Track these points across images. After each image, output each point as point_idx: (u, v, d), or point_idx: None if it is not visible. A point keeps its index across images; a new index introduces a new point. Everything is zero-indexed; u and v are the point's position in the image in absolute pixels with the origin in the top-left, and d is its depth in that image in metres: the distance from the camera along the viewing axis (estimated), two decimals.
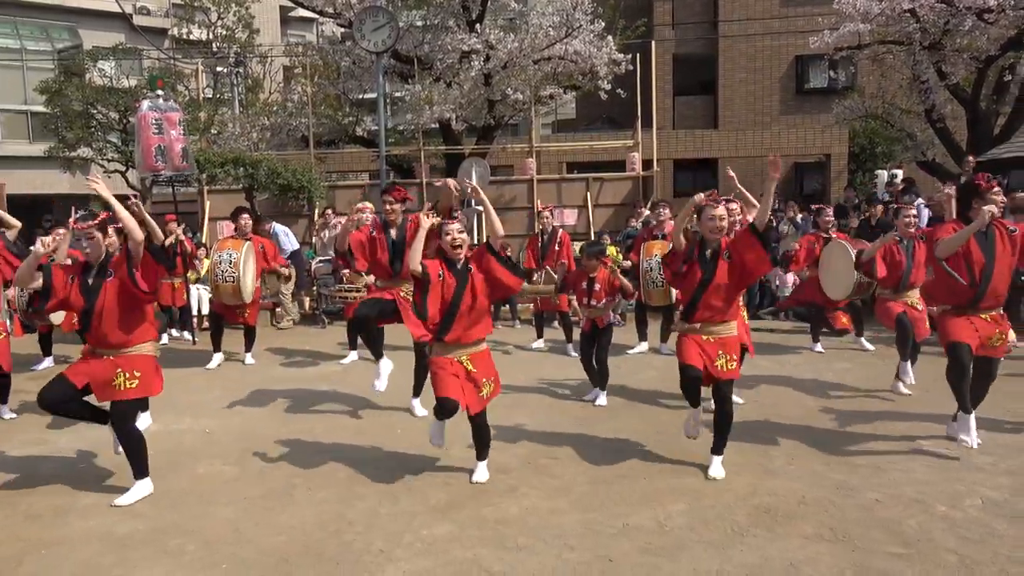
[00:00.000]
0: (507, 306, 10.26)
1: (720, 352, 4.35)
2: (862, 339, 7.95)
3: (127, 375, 4.15)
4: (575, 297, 6.30)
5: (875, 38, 13.07)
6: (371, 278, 6.52)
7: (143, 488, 4.24)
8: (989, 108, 13.07)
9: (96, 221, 4.17)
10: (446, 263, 4.23)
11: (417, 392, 5.81)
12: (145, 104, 8.99)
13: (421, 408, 5.75)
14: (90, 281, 4.17)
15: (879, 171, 14.67)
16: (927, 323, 6.11)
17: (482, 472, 4.40)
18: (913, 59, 12.83)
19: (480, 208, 11.83)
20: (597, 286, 6.07)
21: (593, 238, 11.72)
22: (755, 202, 4.96)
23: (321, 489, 4.33)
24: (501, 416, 5.70)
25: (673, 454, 4.75)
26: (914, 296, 6.12)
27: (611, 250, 9.81)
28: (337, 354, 8.14)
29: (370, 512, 4.00)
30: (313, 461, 4.77)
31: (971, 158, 11.48)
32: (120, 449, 4.35)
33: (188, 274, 9.30)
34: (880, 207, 10.11)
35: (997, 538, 3.53)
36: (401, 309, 5.62)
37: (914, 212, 6.30)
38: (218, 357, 7.84)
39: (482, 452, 4.44)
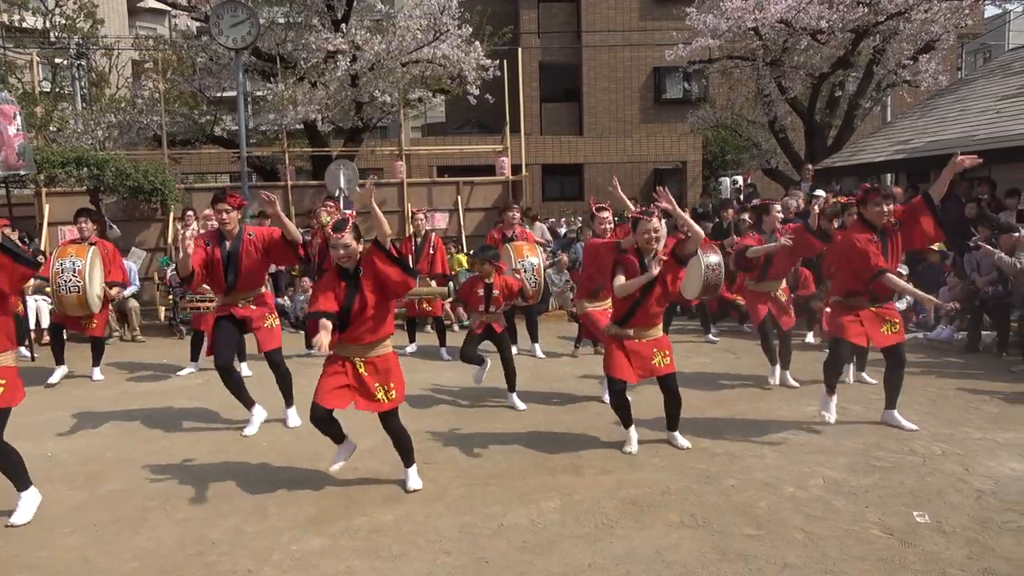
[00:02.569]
0: None
1: (655, 351, 4.74)
2: (709, 335, 8.58)
3: None
4: (470, 305, 6.11)
5: (723, 53, 14.00)
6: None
7: (32, 499, 3.98)
8: (823, 120, 14.31)
9: None
10: (337, 269, 4.14)
11: (289, 403, 5.60)
12: None
13: (295, 418, 5.54)
14: None
15: (723, 178, 15.68)
16: (791, 313, 6.62)
17: (413, 479, 4.30)
18: (757, 74, 13.86)
19: (351, 211, 11.60)
20: (495, 291, 6.04)
21: (464, 242, 11.78)
22: (631, 207, 5.20)
23: (180, 510, 4.08)
24: (374, 421, 5.59)
25: (547, 452, 4.85)
26: (777, 287, 6.56)
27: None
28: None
29: (235, 530, 3.81)
30: (171, 481, 4.49)
31: (809, 166, 12.53)
32: None
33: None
34: (731, 211, 10.77)
35: (836, 513, 3.86)
36: (245, 322, 5.46)
37: (779, 208, 6.80)
38: (61, 370, 7.22)
39: (406, 459, 4.34)
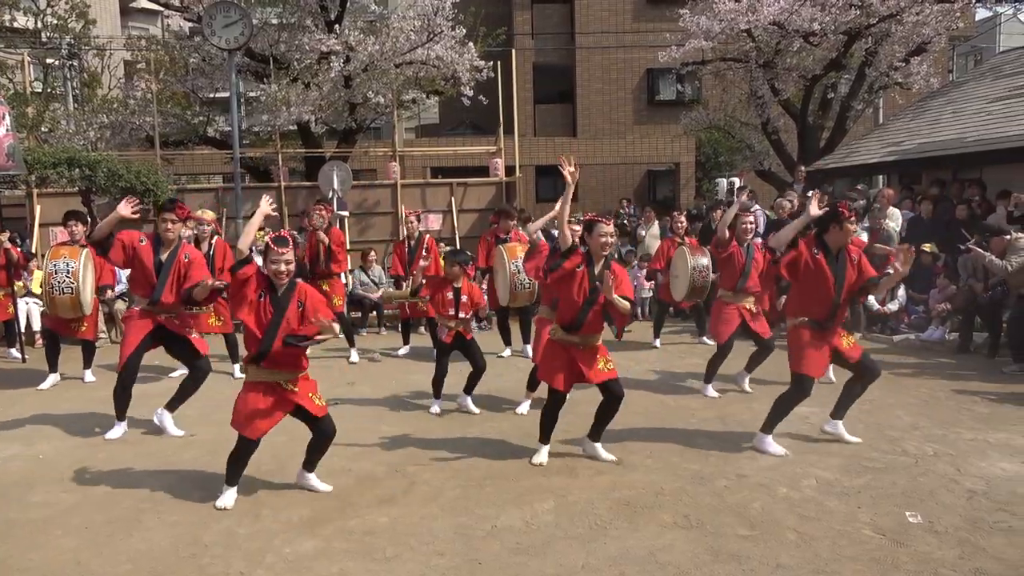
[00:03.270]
0: (374, 312, 10.10)
1: (598, 357, 4.63)
2: (704, 337, 8.57)
3: None
4: (439, 306, 5.96)
5: (716, 55, 14.03)
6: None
7: None
8: (815, 122, 14.35)
9: None
10: (268, 286, 4.03)
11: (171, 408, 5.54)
12: None
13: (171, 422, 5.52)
14: None
15: (719, 179, 15.71)
16: (765, 323, 6.51)
17: (319, 483, 4.31)
18: (750, 75, 13.90)
19: (345, 213, 11.58)
20: (464, 297, 5.90)
21: (457, 246, 11.77)
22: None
23: (173, 512, 4.06)
24: (368, 424, 5.61)
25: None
26: (750, 300, 6.39)
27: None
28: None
29: (228, 533, 3.80)
30: (164, 483, 4.47)
31: (801, 168, 12.56)
32: None
33: (14, 285, 8.42)
34: (718, 212, 10.80)
35: (829, 514, 3.88)
36: (169, 328, 5.37)
37: (751, 219, 6.63)
38: (53, 378, 7.18)
39: (311, 464, 4.31)
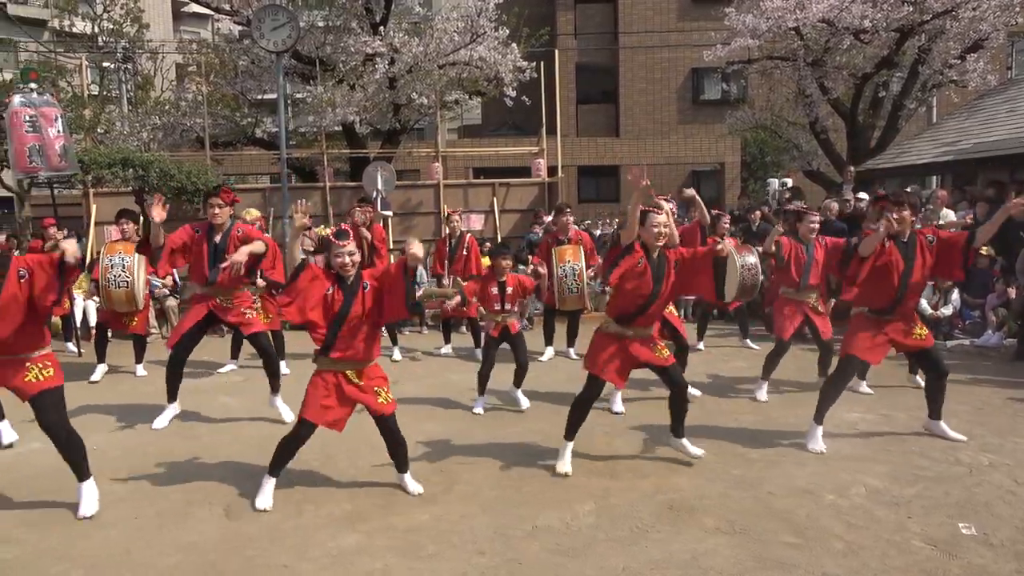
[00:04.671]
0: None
1: (652, 345, 4.54)
2: (748, 340, 8.42)
3: (40, 366, 3.93)
4: (484, 301, 6.07)
5: (763, 53, 13.81)
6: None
7: (93, 489, 4.08)
8: (866, 121, 14.03)
9: None
10: (337, 278, 4.10)
11: (275, 389, 5.77)
12: (17, 99, 8.34)
13: (285, 410, 5.67)
14: None
15: (771, 179, 15.45)
16: (828, 322, 6.43)
17: (413, 484, 4.30)
18: (798, 74, 13.64)
19: (389, 213, 11.72)
20: (509, 289, 6.01)
21: (496, 244, 11.79)
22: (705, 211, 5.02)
23: (219, 505, 4.15)
24: (410, 422, 5.62)
25: (582, 455, 4.82)
26: (813, 297, 6.37)
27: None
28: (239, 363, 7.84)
29: (272, 526, 3.86)
30: (211, 475, 4.57)
31: (851, 168, 12.29)
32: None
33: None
34: (758, 213, 10.63)
35: (878, 523, 3.78)
36: (219, 314, 5.60)
37: (816, 218, 6.55)
38: (101, 368, 7.40)
39: (400, 465, 4.32)
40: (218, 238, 5.53)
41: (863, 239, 4.94)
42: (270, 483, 4.16)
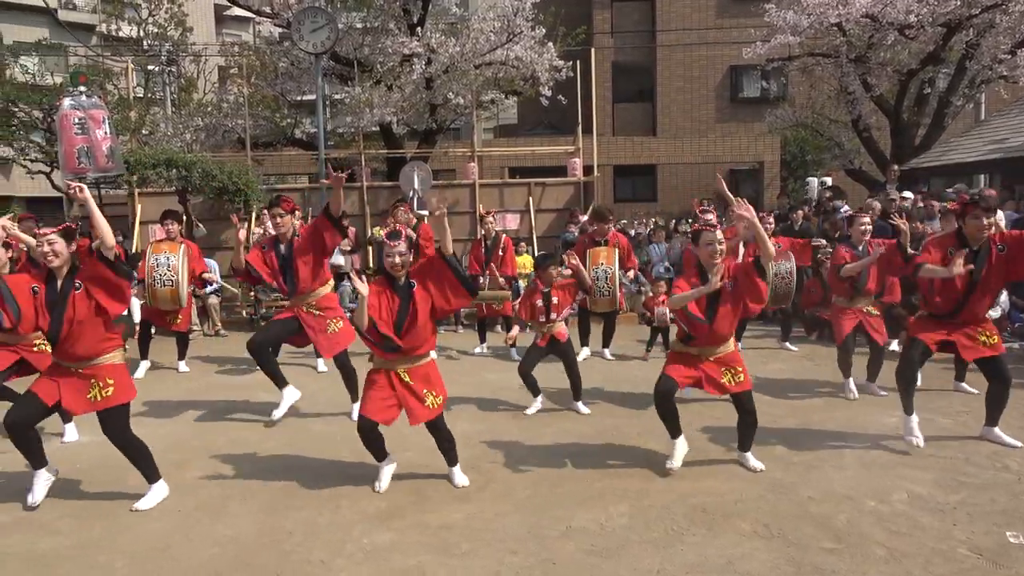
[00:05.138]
0: None
1: (724, 370, 4.43)
2: (787, 343, 8.28)
3: (100, 384, 4.01)
4: (530, 317, 5.96)
5: (804, 50, 13.57)
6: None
7: (160, 490, 4.18)
8: (910, 119, 13.70)
9: (60, 227, 3.98)
10: (388, 280, 4.15)
11: (355, 398, 5.72)
12: (67, 102, 8.57)
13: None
14: (56, 293, 3.92)
15: (810, 178, 15.18)
16: (883, 328, 6.31)
17: (460, 477, 4.38)
18: (840, 71, 13.38)
19: (425, 213, 11.79)
20: (555, 299, 5.88)
21: (535, 246, 11.77)
22: (734, 202, 4.78)
23: (257, 499, 4.22)
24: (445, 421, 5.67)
25: (616, 456, 4.80)
26: (868, 303, 6.23)
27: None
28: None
29: (309, 522, 3.91)
30: (249, 471, 4.65)
31: (895, 166, 12.01)
32: (31, 498, 4.13)
33: None
34: (800, 213, 10.46)
35: (922, 530, 3.68)
36: (306, 326, 5.58)
37: (868, 219, 6.36)
38: (144, 365, 7.57)
39: (450, 459, 4.40)
40: (283, 247, 5.60)
41: (925, 247, 4.93)
42: (384, 469, 4.34)
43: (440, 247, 4.12)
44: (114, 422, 4.05)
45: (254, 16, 15.64)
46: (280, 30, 14.46)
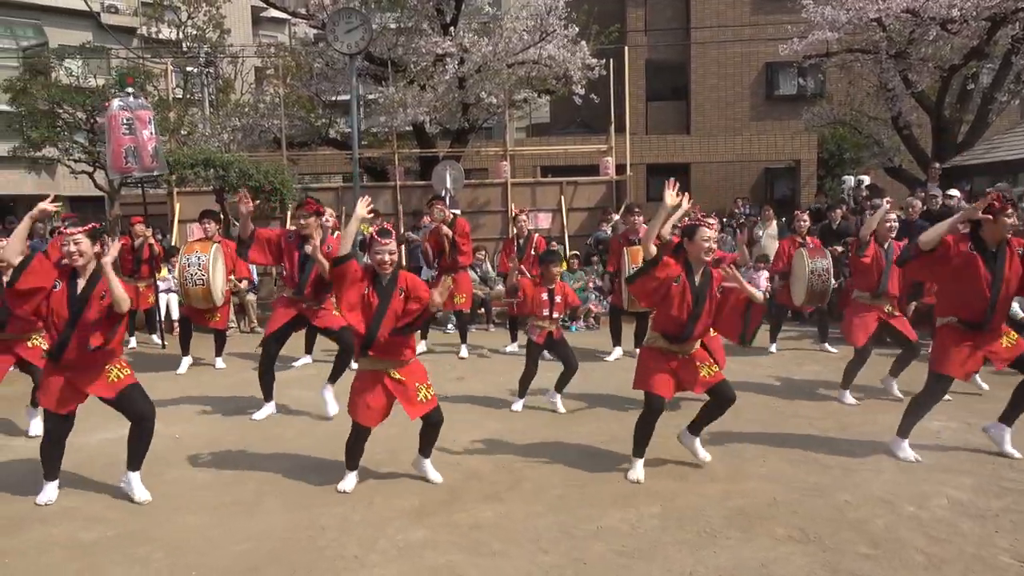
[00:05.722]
0: (482, 309, 10.25)
1: (699, 364, 4.41)
2: (826, 344, 8.13)
3: (119, 366, 4.14)
4: (534, 307, 5.98)
5: (843, 46, 13.32)
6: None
7: (137, 479, 4.28)
8: (953, 116, 13.36)
9: (86, 228, 4.07)
10: (372, 278, 4.17)
11: (333, 380, 5.92)
12: (115, 103, 8.76)
13: (332, 403, 5.83)
14: (78, 291, 4.02)
15: (846, 176, 14.90)
16: (908, 323, 6.15)
17: (433, 472, 4.42)
18: (880, 67, 13.10)
19: (457, 211, 11.81)
20: (558, 298, 5.96)
21: (567, 245, 11.75)
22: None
23: (292, 495, 4.28)
24: (475, 419, 5.70)
25: (648, 456, 4.76)
26: (888, 303, 6.08)
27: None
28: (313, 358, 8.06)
29: (343, 518, 3.96)
30: (285, 466, 4.72)
31: (936, 165, 11.74)
32: (40, 499, 4.23)
33: (157, 276, 9.14)
34: (839, 211, 10.28)
35: (962, 537, 3.60)
36: (309, 318, 5.80)
37: (893, 217, 6.26)
38: (186, 361, 7.72)
39: (426, 449, 4.43)
40: (308, 248, 5.70)
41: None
42: (351, 475, 4.35)
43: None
44: (137, 395, 4.19)
45: (290, 18, 15.83)
46: (315, 31, 14.62)
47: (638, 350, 7.91)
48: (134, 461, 4.26)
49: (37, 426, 5.38)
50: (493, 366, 7.80)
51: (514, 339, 8.67)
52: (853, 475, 4.43)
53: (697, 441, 4.61)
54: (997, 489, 4.17)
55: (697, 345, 4.48)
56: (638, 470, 4.45)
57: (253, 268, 10.20)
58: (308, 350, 7.98)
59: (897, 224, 6.22)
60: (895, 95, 13.19)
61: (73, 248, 3.97)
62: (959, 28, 11.90)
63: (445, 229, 7.85)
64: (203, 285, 7.25)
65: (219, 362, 7.86)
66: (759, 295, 4.23)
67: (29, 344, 5.26)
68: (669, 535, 3.69)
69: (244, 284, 8.17)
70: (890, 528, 3.71)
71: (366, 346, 4.15)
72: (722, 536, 3.66)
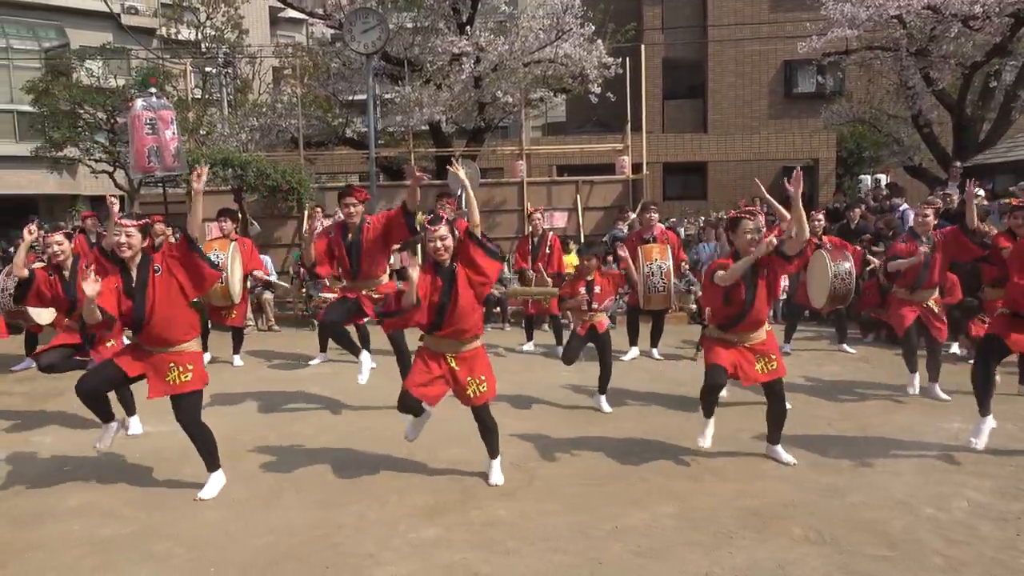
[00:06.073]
0: (498, 308, 10.26)
1: (757, 357, 4.52)
2: (845, 344, 8.06)
3: (180, 368, 4.17)
4: (574, 306, 5.99)
5: (862, 44, 13.19)
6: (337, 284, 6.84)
7: (219, 480, 4.31)
8: (975, 114, 13.20)
9: (140, 222, 4.15)
10: (433, 265, 4.24)
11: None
12: (139, 103, 8.86)
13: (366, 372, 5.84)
14: (133, 282, 4.09)
15: (863, 176, 14.76)
16: (944, 324, 6.10)
17: (496, 474, 4.40)
18: (900, 65, 12.96)
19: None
20: (598, 288, 5.93)
21: (582, 243, 11.72)
22: (783, 211, 4.75)
23: (309, 492, 4.31)
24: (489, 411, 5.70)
25: (664, 457, 4.76)
26: (930, 297, 6.05)
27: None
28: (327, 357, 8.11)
29: (358, 515, 3.98)
30: (301, 464, 4.75)
31: (957, 163, 11.60)
32: (100, 444, 4.43)
33: None
34: (857, 211, 10.18)
35: (982, 540, 3.56)
36: (365, 307, 5.75)
37: (929, 211, 6.18)
38: (205, 357, 7.78)
39: (492, 451, 4.44)
40: (351, 235, 5.73)
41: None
42: (418, 422, 4.47)
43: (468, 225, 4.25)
44: (189, 406, 4.21)
45: (307, 18, 15.94)
46: (332, 31, 14.69)
47: (654, 350, 7.97)
48: (206, 463, 4.31)
49: (136, 425, 5.48)
50: (509, 365, 7.81)
51: (530, 338, 8.67)
52: (871, 477, 4.39)
53: (779, 448, 4.67)
54: (1018, 491, 4.11)
55: (756, 335, 4.55)
56: (706, 435, 4.62)
57: (270, 266, 10.29)
58: (323, 349, 8.03)
59: (932, 217, 6.13)
60: (915, 93, 13.05)
61: (124, 239, 4.06)
62: (981, 24, 11.75)
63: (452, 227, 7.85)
64: (221, 284, 7.30)
65: (237, 360, 7.93)
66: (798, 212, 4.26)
67: (108, 344, 5.38)
68: (684, 535, 3.67)
69: (258, 275, 8.22)
70: (908, 530, 3.68)
71: (434, 328, 4.22)
72: (738, 537, 3.65)
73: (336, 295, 6.06)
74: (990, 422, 4.69)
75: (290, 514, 4.02)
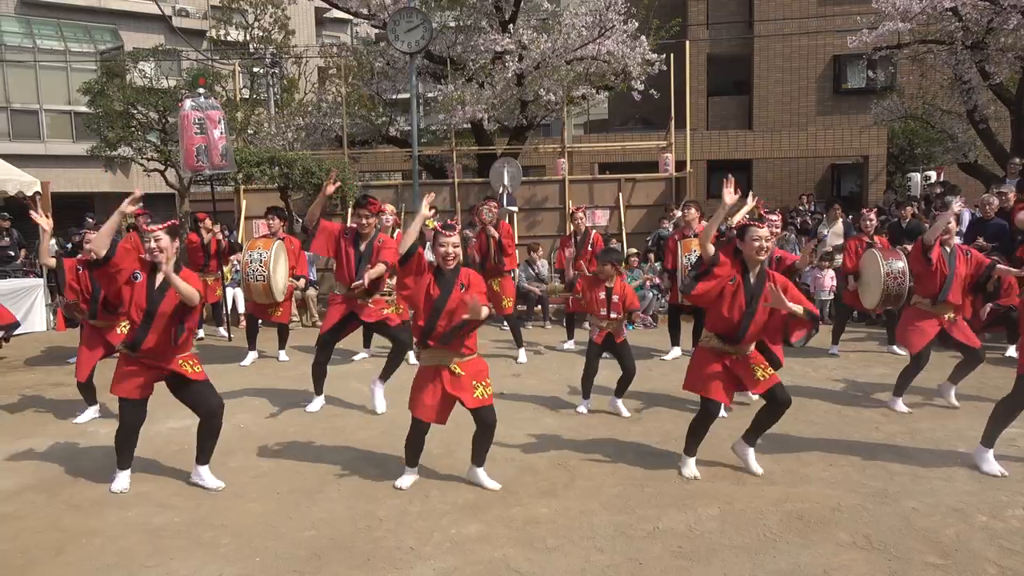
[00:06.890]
0: (539, 306, 10.26)
1: (752, 365, 4.33)
2: (894, 346, 7.83)
3: (191, 362, 4.32)
4: (591, 305, 5.86)
5: (915, 37, 12.83)
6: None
7: (207, 472, 4.43)
8: None
9: (165, 225, 4.23)
10: (435, 272, 4.17)
11: (384, 377, 5.98)
12: (188, 103, 9.07)
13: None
14: (156, 285, 4.20)
15: (911, 173, 14.37)
16: (970, 330, 5.80)
17: (485, 479, 4.32)
18: (955, 59, 12.57)
19: (515, 209, 11.83)
20: (615, 297, 5.76)
21: (624, 243, 11.65)
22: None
23: (351, 486, 4.36)
24: (531, 416, 5.72)
25: (706, 458, 4.69)
26: (950, 312, 5.68)
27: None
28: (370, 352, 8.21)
29: (400, 510, 4.02)
30: (344, 458, 4.82)
31: (1016, 160, 11.19)
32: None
33: (224, 270, 9.44)
34: (909, 209, 9.90)
35: None
36: (361, 315, 5.84)
37: (954, 224, 5.81)
38: (252, 355, 7.96)
39: (478, 457, 4.33)
40: (363, 246, 5.79)
41: None
42: (409, 472, 4.39)
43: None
44: (207, 391, 4.36)
45: (352, 18, 16.13)
46: (376, 31, 14.85)
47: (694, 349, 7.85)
48: (202, 455, 4.41)
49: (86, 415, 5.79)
50: (549, 363, 7.80)
51: (571, 336, 8.64)
52: (922, 482, 4.27)
53: (751, 452, 4.49)
54: None
55: (752, 347, 4.38)
56: (691, 467, 4.43)
57: (312, 266, 10.45)
58: (366, 344, 8.12)
59: (955, 227, 5.84)
60: (971, 87, 12.64)
61: (154, 244, 4.14)
62: None
63: (492, 230, 7.87)
64: (263, 281, 7.42)
65: (282, 355, 8.08)
66: (798, 310, 4.07)
67: (118, 330, 5.56)
68: (727, 538, 3.62)
69: (301, 282, 8.35)
70: (961, 538, 3.57)
71: (426, 336, 4.15)
72: (782, 540, 3.58)
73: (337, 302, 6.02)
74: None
75: (333, 506, 4.08)
